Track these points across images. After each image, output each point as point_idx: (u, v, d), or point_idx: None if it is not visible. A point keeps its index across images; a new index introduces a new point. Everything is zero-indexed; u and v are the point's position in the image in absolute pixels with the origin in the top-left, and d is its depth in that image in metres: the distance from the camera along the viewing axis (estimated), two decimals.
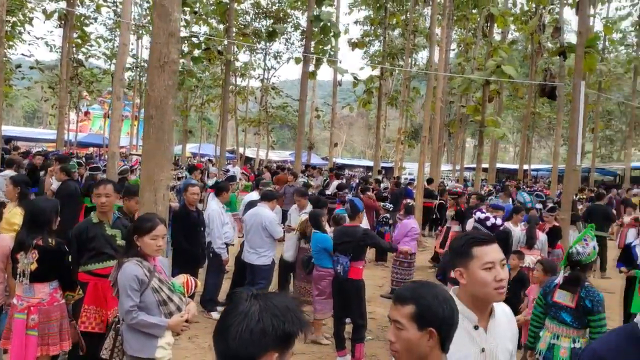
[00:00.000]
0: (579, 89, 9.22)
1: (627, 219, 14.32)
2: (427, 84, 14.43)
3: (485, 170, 24.27)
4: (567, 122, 31.20)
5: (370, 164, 32.34)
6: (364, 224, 8.41)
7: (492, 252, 2.20)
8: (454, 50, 28.99)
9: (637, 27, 28.38)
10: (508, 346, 2.28)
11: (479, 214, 5.22)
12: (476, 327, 2.19)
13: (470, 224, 5.39)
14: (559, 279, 4.47)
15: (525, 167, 33.08)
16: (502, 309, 2.35)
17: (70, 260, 4.40)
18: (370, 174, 25.92)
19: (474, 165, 43.56)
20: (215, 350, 1.57)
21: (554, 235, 9.39)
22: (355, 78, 20.26)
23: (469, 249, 2.20)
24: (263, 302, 1.53)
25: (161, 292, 3.56)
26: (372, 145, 35.46)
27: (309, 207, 7.85)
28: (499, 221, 5.24)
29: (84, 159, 16.11)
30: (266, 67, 32.70)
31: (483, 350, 2.18)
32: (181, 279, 3.90)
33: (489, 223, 5.14)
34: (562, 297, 4.40)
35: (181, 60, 20.63)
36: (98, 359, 3.79)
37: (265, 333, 1.47)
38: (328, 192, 13.70)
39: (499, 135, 14.74)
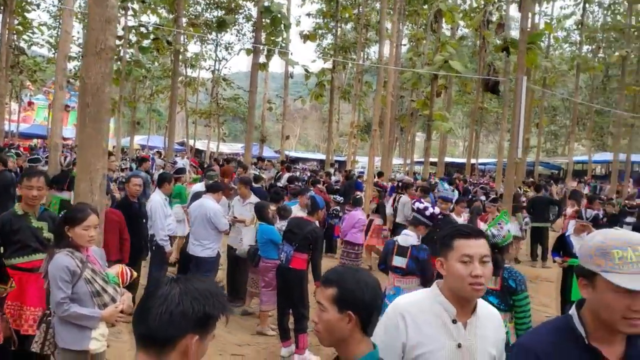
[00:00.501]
0: (521, 84, 9.49)
1: (569, 210, 14.91)
2: (377, 78, 14.56)
3: (434, 164, 24.72)
4: (508, 116, 31.95)
5: (324, 157, 32.48)
6: None
7: (474, 246, 2.15)
8: (405, 45, 29.36)
9: (580, 25, 29.41)
10: (489, 349, 2.22)
11: (417, 204, 5.35)
12: (454, 321, 2.17)
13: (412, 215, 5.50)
14: None
15: (473, 161, 33.88)
16: (489, 311, 2.31)
17: (2, 252, 4.24)
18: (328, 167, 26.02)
19: (421, 159, 44.27)
20: (134, 333, 1.56)
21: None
22: (306, 70, 20.27)
23: (451, 240, 2.19)
24: (184, 285, 1.54)
25: (94, 283, 3.49)
26: (326, 139, 35.58)
27: (253, 198, 7.81)
28: (437, 210, 5.38)
29: (21, 150, 15.56)
30: (217, 58, 32.31)
31: (460, 345, 2.15)
32: (116, 269, 3.83)
33: (427, 213, 5.28)
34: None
35: (129, 50, 20.16)
36: (29, 353, 3.68)
37: (185, 315, 1.49)
38: (279, 184, 13.69)
39: (446, 129, 15.04)
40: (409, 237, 5.39)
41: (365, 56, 30.94)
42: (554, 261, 8.72)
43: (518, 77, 9.44)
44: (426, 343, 2.13)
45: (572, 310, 1.80)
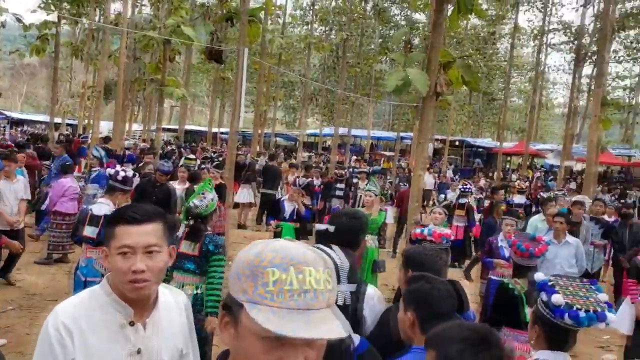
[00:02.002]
0: (242, 56, 9.77)
1: (291, 178, 16.11)
2: (103, 37, 13.61)
3: (175, 130, 24.39)
4: (248, 88, 33.11)
5: (56, 119, 29.42)
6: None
7: (136, 234, 1.77)
8: (145, 6, 28.06)
9: (312, 5, 31.64)
10: (176, 344, 1.91)
11: (109, 170, 5.17)
12: (132, 323, 1.80)
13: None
14: (181, 232, 4.76)
15: (216, 130, 34.37)
16: (173, 299, 1.97)
17: None
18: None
19: (169, 126, 43.39)
20: None
21: (220, 192, 9.92)
22: (19, 20, 17.82)
23: (112, 226, 1.81)
24: None
25: None
26: (58, 99, 32.24)
27: None
28: (130, 173, 5.27)
29: None
30: None
31: (139, 351, 1.81)
32: None
33: (120, 177, 5.14)
34: (187, 247, 4.66)
35: None
36: None
37: None
38: None
39: (179, 96, 14.85)
40: (103, 206, 5.15)
41: (102, 12, 28.67)
42: (269, 224, 9.36)
43: (239, 49, 9.71)
44: (97, 354, 1.75)
45: None
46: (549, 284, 2.54)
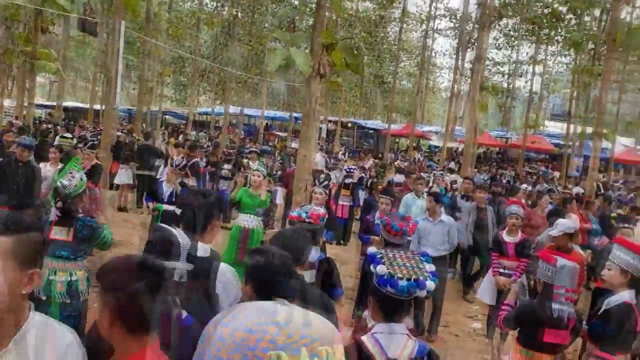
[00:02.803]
0: (119, 29, 9.24)
1: (177, 159, 15.56)
2: None
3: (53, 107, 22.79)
4: (135, 63, 31.60)
5: None
6: None
7: None
8: None
9: None
10: None
11: None
12: None
13: None
14: (53, 216, 4.48)
15: (100, 107, 32.60)
16: (52, 340, 1.59)
17: None
18: None
19: (48, 103, 40.52)
20: None
21: (94, 173, 9.41)
22: None
23: None
24: None
25: None
26: None
27: None
28: None
29: None
30: None
31: None
32: None
33: None
34: (60, 233, 4.42)
35: None
36: None
37: None
38: None
39: (52, 70, 13.83)
40: None
41: None
42: (148, 206, 9.02)
43: (115, 22, 9.17)
44: None
45: None
46: (378, 256, 2.61)
